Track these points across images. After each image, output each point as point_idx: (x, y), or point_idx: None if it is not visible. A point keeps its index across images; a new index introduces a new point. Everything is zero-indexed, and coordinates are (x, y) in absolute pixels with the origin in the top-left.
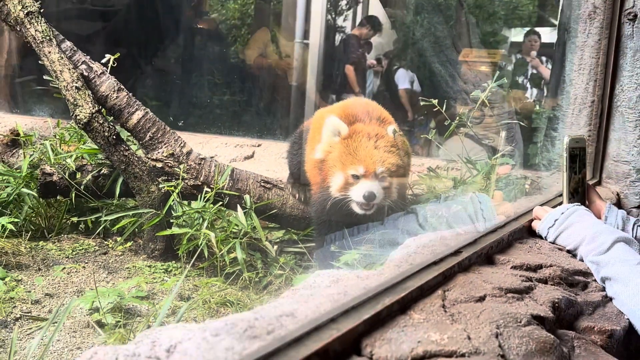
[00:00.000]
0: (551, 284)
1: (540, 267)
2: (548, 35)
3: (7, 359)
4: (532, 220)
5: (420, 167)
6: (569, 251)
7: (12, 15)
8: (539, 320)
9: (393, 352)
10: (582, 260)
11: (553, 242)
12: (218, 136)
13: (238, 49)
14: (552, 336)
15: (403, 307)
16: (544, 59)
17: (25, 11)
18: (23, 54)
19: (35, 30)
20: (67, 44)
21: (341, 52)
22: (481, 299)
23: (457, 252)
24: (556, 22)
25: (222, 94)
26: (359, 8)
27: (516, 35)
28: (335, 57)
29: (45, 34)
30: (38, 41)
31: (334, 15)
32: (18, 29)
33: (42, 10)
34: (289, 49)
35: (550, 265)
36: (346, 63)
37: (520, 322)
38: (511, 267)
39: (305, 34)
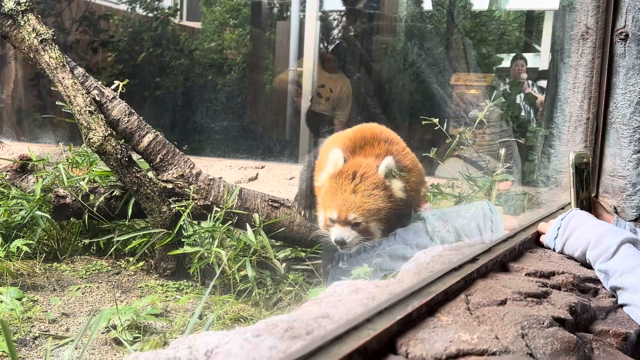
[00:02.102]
0: (564, 290)
1: (552, 274)
2: (532, 60)
3: None
4: (538, 233)
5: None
6: (578, 259)
7: (27, 42)
8: (560, 322)
9: (428, 351)
10: (591, 264)
11: (561, 252)
12: (222, 159)
13: (234, 77)
14: (575, 336)
15: (430, 309)
16: (530, 82)
17: (40, 38)
18: (28, 84)
19: (49, 57)
20: (80, 70)
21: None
22: (503, 302)
23: (474, 259)
24: (540, 48)
25: (221, 119)
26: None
27: (506, 60)
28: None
29: (59, 60)
30: (52, 67)
31: (326, 44)
32: (32, 55)
33: (55, 38)
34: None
35: (562, 273)
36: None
37: (543, 323)
38: (525, 274)
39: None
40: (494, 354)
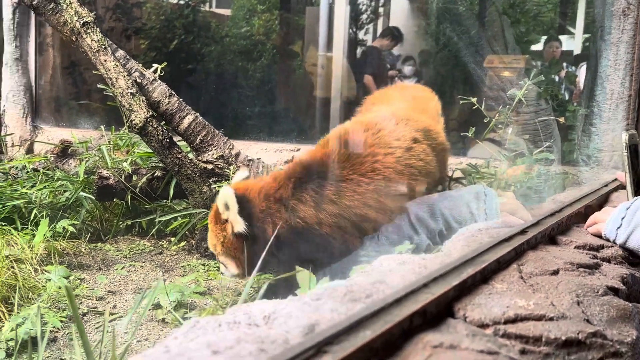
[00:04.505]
0: (614, 263)
1: (602, 247)
2: (566, 42)
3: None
4: (585, 214)
5: (459, 165)
6: None
7: (69, 25)
8: (613, 291)
9: (486, 315)
10: None
11: (623, 246)
12: (257, 142)
13: (264, 63)
14: (630, 304)
15: (484, 277)
16: (564, 64)
17: (82, 21)
18: (64, 71)
19: (92, 40)
20: (120, 52)
21: (362, 64)
22: (555, 272)
23: (523, 231)
24: (574, 31)
25: (253, 105)
26: (380, 21)
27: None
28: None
29: (101, 43)
30: (94, 50)
31: (355, 30)
32: (74, 39)
33: (96, 21)
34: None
35: (611, 246)
36: (366, 74)
37: (598, 292)
38: (575, 247)
39: (328, 47)
40: (551, 319)
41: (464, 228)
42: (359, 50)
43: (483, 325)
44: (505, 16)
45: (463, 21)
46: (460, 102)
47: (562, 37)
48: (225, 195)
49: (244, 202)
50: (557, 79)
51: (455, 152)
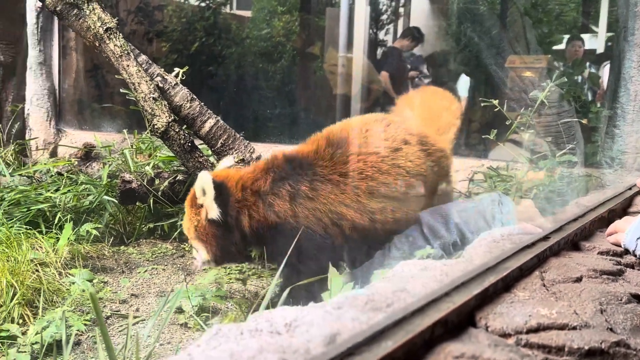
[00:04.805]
0: (638, 269)
1: (626, 252)
2: (588, 41)
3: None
4: (607, 221)
5: (480, 167)
6: None
7: (92, 31)
8: (637, 298)
9: (508, 324)
10: None
11: None
12: (278, 144)
13: (285, 65)
14: None
15: (506, 285)
16: (587, 64)
17: (105, 27)
18: (87, 75)
19: (114, 45)
20: (143, 57)
21: (382, 64)
22: (578, 279)
23: (546, 237)
24: (596, 29)
25: (273, 107)
26: (400, 21)
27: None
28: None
29: (124, 48)
30: (117, 55)
31: (375, 30)
32: (97, 44)
33: (119, 27)
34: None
35: None
36: (384, 71)
37: (621, 299)
38: (598, 253)
39: (349, 48)
40: (574, 328)
41: (486, 233)
42: (379, 51)
43: (505, 335)
44: (527, 17)
45: (484, 21)
46: (482, 104)
47: (585, 36)
48: (203, 181)
49: (221, 190)
50: (579, 79)
51: (476, 154)
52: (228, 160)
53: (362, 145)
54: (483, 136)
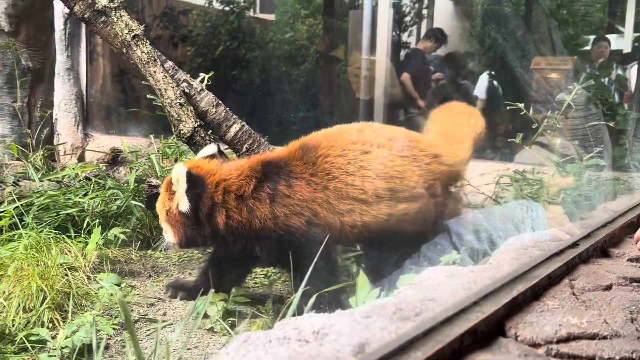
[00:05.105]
0: None
1: None
2: (614, 41)
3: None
4: (633, 223)
5: (506, 170)
6: None
7: (119, 38)
8: None
9: (537, 334)
10: None
11: None
12: None
13: (308, 68)
14: None
15: (535, 294)
16: (614, 64)
17: (132, 34)
18: (113, 79)
19: (141, 52)
20: (169, 63)
21: (405, 66)
22: (608, 287)
23: (574, 244)
24: (623, 29)
25: (297, 110)
26: (424, 23)
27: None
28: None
29: (151, 55)
30: (144, 62)
31: (398, 32)
32: (124, 51)
33: (145, 32)
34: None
35: None
36: (405, 73)
37: None
38: (627, 260)
39: (372, 50)
40: (604, 337)
41: (514, 238)
42: (402, 53)
43: (535, 345)
44: (553, 19)
45: (508, 23)
46: (507, 107)
47: (611, 36)
48: (178, 173)
49: (197, 184)
50: (606, 81)
51: (502, 158)
52: (210, 148)
53: (329, 148)
54: (509, 140)
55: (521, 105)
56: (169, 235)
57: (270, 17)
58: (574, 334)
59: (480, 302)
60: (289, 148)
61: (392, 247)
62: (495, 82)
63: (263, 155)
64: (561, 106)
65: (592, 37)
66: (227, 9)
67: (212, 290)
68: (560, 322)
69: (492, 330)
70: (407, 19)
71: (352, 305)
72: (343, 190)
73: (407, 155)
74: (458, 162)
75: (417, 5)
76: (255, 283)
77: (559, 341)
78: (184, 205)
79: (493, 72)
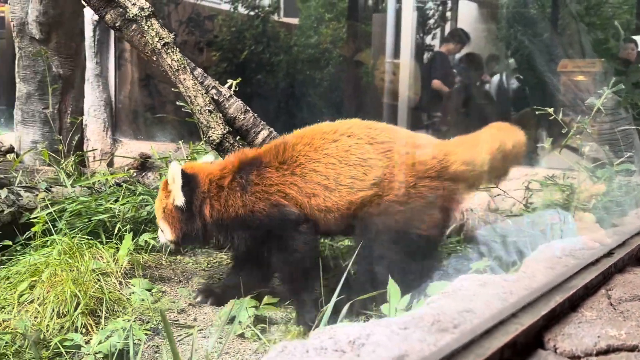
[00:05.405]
0: None
1: None
2: None
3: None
4: None
5: (534, 175)
6: None
7: (150, 46)
8: None
9: (577, 346)
10: None
11: None
12: None
13: (332, 72)
14: None
15: (572, 304)
16: None
17: (162, 42)
18: (142, 83)
19: (172, 60)
20: (198, 70)
21: (429, 70)
22: None
23: (610, 253)
24: None
25: (321, 114)
26: (448, 26)
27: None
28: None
29: (181, 63)
30: (174, 69)
31: (422, 35)
32: (155, 59)
33: (175, 41)
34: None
35: None
36: (434, 79)
37: None
38: None
39: (396, 53)
40: None
41: (543, 245)
42: (426, 56)
43: (574, 357)
44: (582, 23)
45: (534, 25)
46: (536, 112)
47: (638, 38)
48: (173, 170)
49: (191, 181)
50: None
51: (530, 162)
52: (208, 157)
53: (300, 138)
54: (538, 145)
55: (550, 110)
56: (167, 233)
57: (295, 21)
58: (614, 346)
59: (518, 314)
60: (263, 146)
61: (382, 246)
62: (510, 84)
63: (244, 151)
64: (590, 110)
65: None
66: (252, 13)
67: (243, 295)
68: (598, 333)
69: (531, 343)
70: (431, 21)
71: (386, 313)
72: (307, 176)
73: (379, 144)
74: (460, 162)
75: (440, 8)
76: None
77: (598, 353)
78: (180, 199)
79: (521, 77)
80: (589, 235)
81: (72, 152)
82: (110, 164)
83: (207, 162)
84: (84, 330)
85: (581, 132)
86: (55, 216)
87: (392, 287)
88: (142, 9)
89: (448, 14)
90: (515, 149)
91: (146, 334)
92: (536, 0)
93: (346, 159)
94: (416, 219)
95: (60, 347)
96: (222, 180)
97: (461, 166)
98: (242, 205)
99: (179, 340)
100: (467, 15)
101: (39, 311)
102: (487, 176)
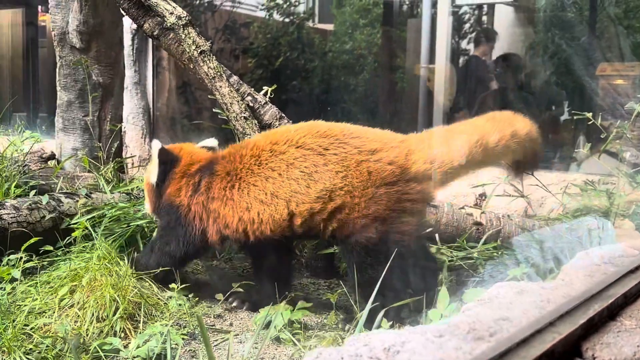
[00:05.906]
0: None
1: None
2: None
3: None
4: None
5: (573, 181)
6: None
7: (187, 54)
8: None
9: (616, 355)
10: None
11: None
12: None
13: (367, 77)
14: None
15: (611, 313)
16: None
17: (199, 50)
18: (179, 90)
19: (208, 67)
20: (234, 78)
21: (465, 74)
22: None
23: None
24: None
25: (356, 120)
26: None
27: None
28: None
29: (217, 70)
30: (210, 77)
31: (457, 40)
32: (192, 66)
33: (212, 49)
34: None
35: None
36: (469, 85)
37: None
38: None
39: (431, 58)
40: None
41: (582, 252)
42: (461, 60)
43: None
44: (621, 26)
45: (572, 28)
46: (574, 117)
47: None
48: (153, 149)
49: (171, 161)
50: None
51: (565, 168)
52: (211, 141)
53: (251, 147)
54: (576, 150)
55: (589, 115)
56: (146, 205)
57: (329, 27)
58: None
59: (555, 322)
60: (233, 145)
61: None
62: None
63: (216, 153)
64: (629, 114)
65: None
66: (287, 20)
67: (278, 301)
68: (638, 343)
69: (568, 352)
70: (467, 25)
71: (433, 319)
72: (245, 190)
73: (332, 155)
74: (422, 161)
75: (476, 12)
76: (319, 294)
77: None
78: (152, 177)
79: (558, 81)
80: (629, 242)
81: (111, 159)
82: None
83: (203, 150)
84: (122, 335)
85: (620, 137)
86: (95, 221)
87: (443, 293)
88: (179, 17)
89: (484, 18)
90: (515, 138)
91: (183, 339)
92: (574, 3)
93: (288, 172)
94: (392, 231)
95: (100, 351)
96: (192, 168)
97: (423, 165)
98: (185, 205)
99: (215, 345)
100: (504, 20)
101: (79, 315)
102: (466, 170)
